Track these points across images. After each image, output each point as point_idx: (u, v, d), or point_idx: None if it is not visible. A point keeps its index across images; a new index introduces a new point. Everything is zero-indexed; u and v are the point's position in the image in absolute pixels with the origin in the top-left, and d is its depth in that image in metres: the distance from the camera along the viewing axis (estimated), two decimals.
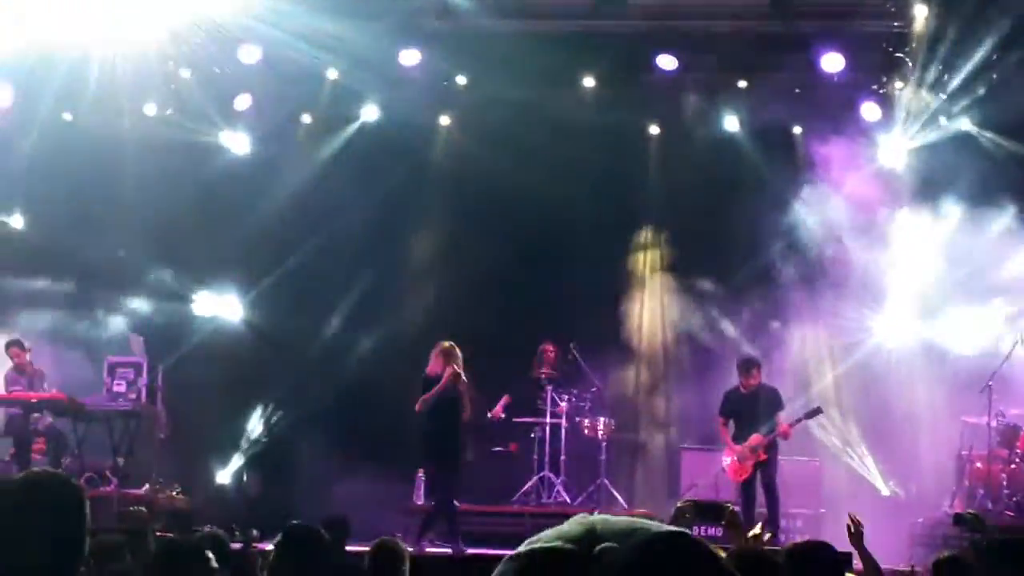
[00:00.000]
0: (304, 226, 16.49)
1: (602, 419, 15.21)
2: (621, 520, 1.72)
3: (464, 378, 12.53)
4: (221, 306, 16.94)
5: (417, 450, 14.00)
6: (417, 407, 12.57)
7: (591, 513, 1.82)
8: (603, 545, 1.69)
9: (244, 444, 16.54)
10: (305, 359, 16.56)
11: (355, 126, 16.75)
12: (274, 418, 16.60)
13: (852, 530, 7.06)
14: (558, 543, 1.72)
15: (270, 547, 7.15)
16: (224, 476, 16.42)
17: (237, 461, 16.46)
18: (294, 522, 7.14)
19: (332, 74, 15.98)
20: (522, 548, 1.75)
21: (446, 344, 12.61)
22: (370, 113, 16.64)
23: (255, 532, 10.73)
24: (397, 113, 16.42)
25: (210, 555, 5.32)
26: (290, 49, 15.08)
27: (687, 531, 1.73)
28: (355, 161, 16.49)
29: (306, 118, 16.81)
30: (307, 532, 6.91)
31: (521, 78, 15.27)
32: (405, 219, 16.92)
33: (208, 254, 16.56)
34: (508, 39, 15.04)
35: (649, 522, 1.71)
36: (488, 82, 15.80)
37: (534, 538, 1.75)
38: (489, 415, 15.16)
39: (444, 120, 16.93)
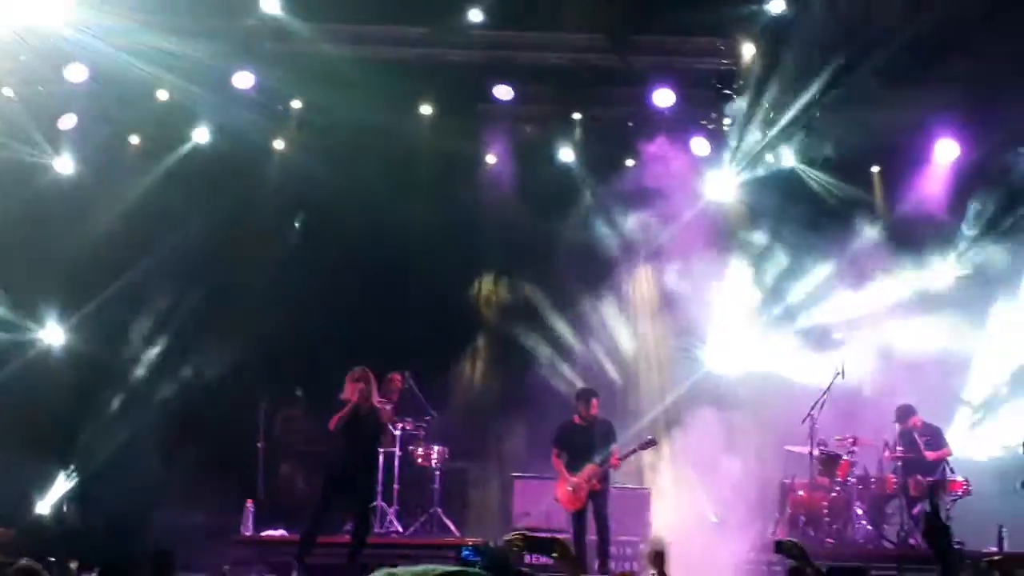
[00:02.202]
0: (131, 249, 16.06)
1: (436, 448, 15.15)
2: (419, 566, 1.80)
3: (377, 401, 12.34)
4: (43, 331, 16.39)
5: (249, 479, 13.63)
6: (330, 425, 12.25)
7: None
8: None
9: (66, 473, 15.98)
10: (130, 385, 16.13)
11: (187, 147, 16.39)
12: (97, 446, 16.07)
13: (652, 552, 7.13)
14: None
15: None
16: (44, 506, 15.83)
17: (58, 490, 15.89)
18: (112, 555, 6.91)
19: (163, 94, 15.62)
20: None
21: (357, 370, 12.40)
22: (202, 135, 16.32)
23: (73, 566, 10.35)
24: (230, 135, 16.15)
25: None
26: (119, 67, 14.68)
27: (474, 570, 1.77)
28: (186, 184, 16.13)
29: (135, 139, 16.38)
30: (126, 566, 6.71)
31: (358, 103, 15.20)
32: (239, 243, 16.62)
33: (30, 277, 16.00)
34: (345, 64, 14.94)
35: (440, 566, 1.78)
36: (325, 106, 15.67)
37: None
38: None
39: (279, 144, 16.71)
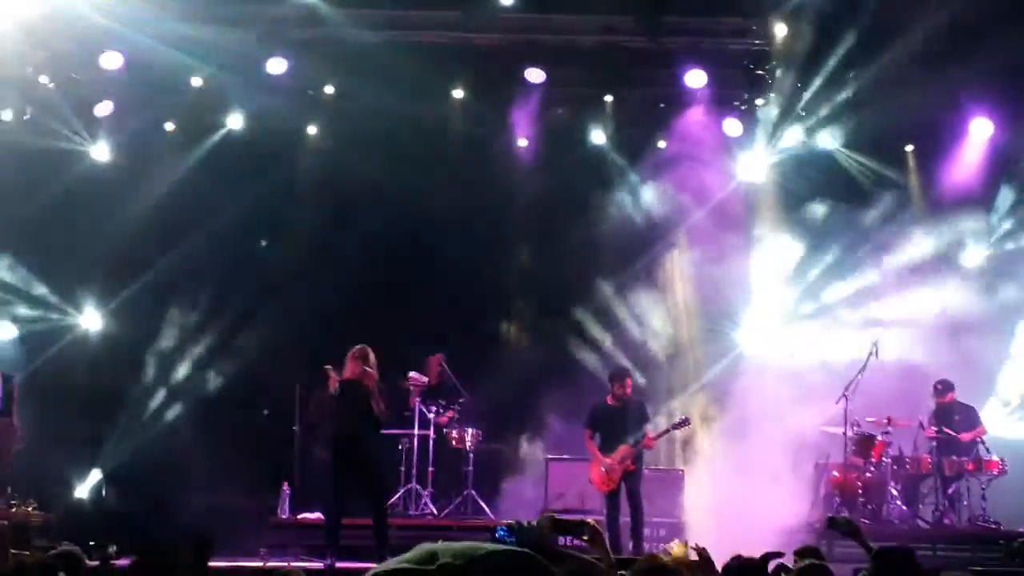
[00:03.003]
0: (168, 235, 16.19)
1: (470, 430, 15.23)
2: (460, 543, 1.81)
3: (376, 379, 12.37)
4: (81, 316, 16.56)
5: (285, 462, 13.72)
6: (331, 385, 12.31)
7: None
8: (442, 561, 1.76)
9: (103, 457, 16.15)
10: (166, 370, 16.28)
11: (221, 134, 16.50)
12: (135, 431, 16.24)
13: (700, 558, 7.17)
14: (402, 564, 1.78)
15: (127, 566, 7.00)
16: (82, 490, 16.01)
17: (96, 475, 16.07)
18: (151, 539, 6.99)
19: (197, 81, 15.72)
20: (368, 574, 1.79)
21: (356, 348, 12.47)
22: (236, 121, 16.42)
23: (112, 549, 10.47)
24: (264, 121, 16.24)
25: (62, 574, 5.19)
26: (154, 55, 14.79)
27: (526, 550, 1.79)
28: (221, 170, 16.24)
29: (170, 125, 16.49)
30: (164, 550, 6.79)
31: (390, 88, 15.25)
32: (273, 228, 16.75)
33: (68, 263, 16.17)
34: (376, 49, 14.98)
35: (485, 544, 1.79)
36: (356, 92, 15.74)
37: (379, 566, 1.80)
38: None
39: (312, 129, 16.79)
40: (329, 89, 16.17)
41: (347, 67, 15.45)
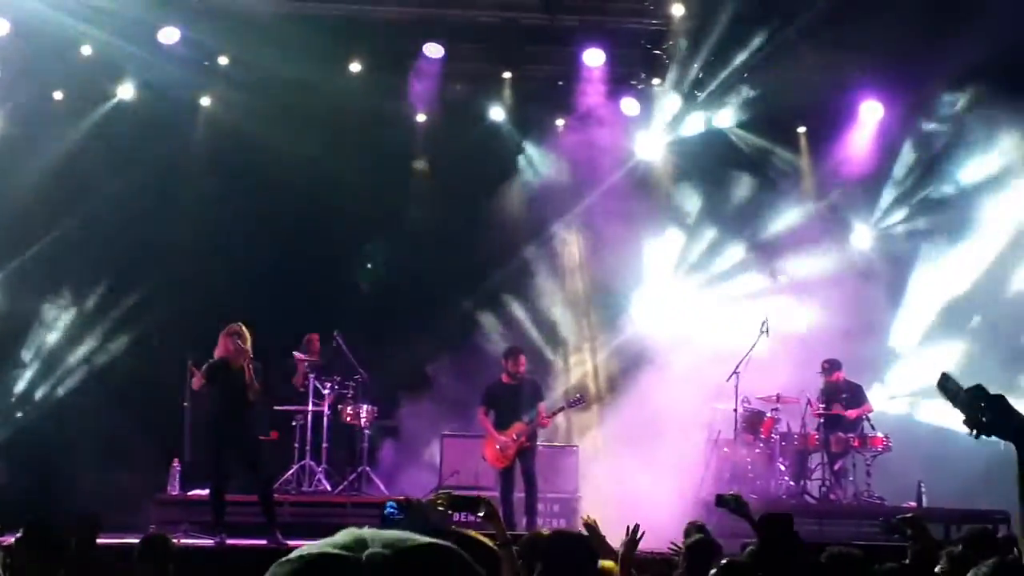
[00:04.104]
0: (57, 206, 15.83)
1: (365, 407, 15.16)
2: (391, 532, 1.80)
3: (250, 356, 12.22)
4: None
5: (177, 437, 13.51)
6: (195, 385, 12.25)
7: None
8: (372, 550, 1.76)
9: None
10: (55, 343, 15.96)
11: (111, 103, 16.17)
12: (21, 407, 15.89)
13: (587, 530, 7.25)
14: (329, 548, 1.77)
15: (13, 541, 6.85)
16: None
17: None
18: (37, 517, 6.86)
19: (87, 50, 15.37)
20: (293, 554, 1.78)
21: (233, 325, 12.31)
22: (127, 91, 16.10)
23: None
24: (156, 91, 15.94)
25: None
26: (42, 22, 14.43)
27: (453, 545, 1.79)
28: (112, 140, 15.92)
29: (59, 95, 16.11)
30: (50, 527, 6.67)
31: (286, 60, 15.08)
32: (166, 199, 16.44)
33: None
34: (273, 20, 14.80)
35: (419, 536, 1.79)
36: (252, 63, 15.53)
37: (304, 547, 1.79)
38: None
39: (205, 100, 16.53)
40: (223, 60, 15.93)
41: (242, 38, 15.22)
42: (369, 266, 17.16)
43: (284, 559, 1.79)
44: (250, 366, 12.03)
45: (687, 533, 8.05)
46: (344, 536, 1.78)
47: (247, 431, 12.27)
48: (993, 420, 3.11)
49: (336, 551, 1.75)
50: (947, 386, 3.27)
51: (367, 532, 1.77)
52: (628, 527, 6.79)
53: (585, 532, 6.77)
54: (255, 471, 12.42)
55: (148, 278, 15.97)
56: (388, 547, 1.75)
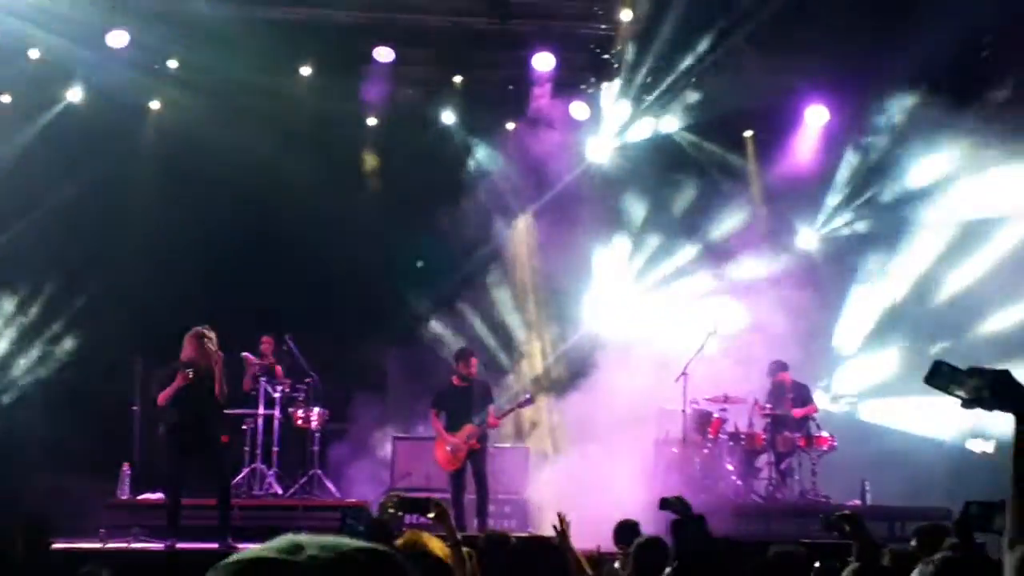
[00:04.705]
0: (5, 210, 15.71)
1: (316, 410, 15.16)
2: (327, 537, 1.85)
3: (221, 356, 12.16)
4: None
5: (127, 441, 13.43)
6: (160, 400, 12.12)
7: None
8: (310, 553, 1.80)
9: None
10: (2, 347, 15.85)
11: (60, 107, 16.08)
12: None
13: (558, 530, 7.40)
14: (266, 553, 1.81)
15: None
16: None
17: None
18: None
19: (35, 53, 15.29)
20: (230, 559, 1.83)
21: (197, 328, 12.25)
22: (75, 95, 16.02)
23: None
24: (105, 95, 15.86)
25: None
26: None
27: (388, 550, 1.86)
28: (61, 143, 15.83)
29: (5, 98, 16.00)
30: None
31: (237, 63, 15.07)
32: (115, 203, 16.35)
33: None
34: (222, 23, 14.78)
35: (353, 540, 1.84)
36: (202, 65, 15.50)
37: (241, 551, 1.84)
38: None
39: (154, 104, 16.49)
40: (173, 63, 15.89)
41: (192, 41, 15.20)
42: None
43: (220, 564, 1.82)
44: (220, 366, 12.03)
45: (619, 532, 8.20)
46: (281, 541, 1.82)
47: (213, 433, 12.25)
48: (1002, 393, 3.17)
49: (273, 555, 1.80)
50: (940, 371, 3.31)
51: (303, 537, 1.82)
52: (557, 515, 6.93)
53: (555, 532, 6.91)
54: (219, 474, 12.37)
55: (97, 281, 15.89)
56: (324, 550, 1.80)
